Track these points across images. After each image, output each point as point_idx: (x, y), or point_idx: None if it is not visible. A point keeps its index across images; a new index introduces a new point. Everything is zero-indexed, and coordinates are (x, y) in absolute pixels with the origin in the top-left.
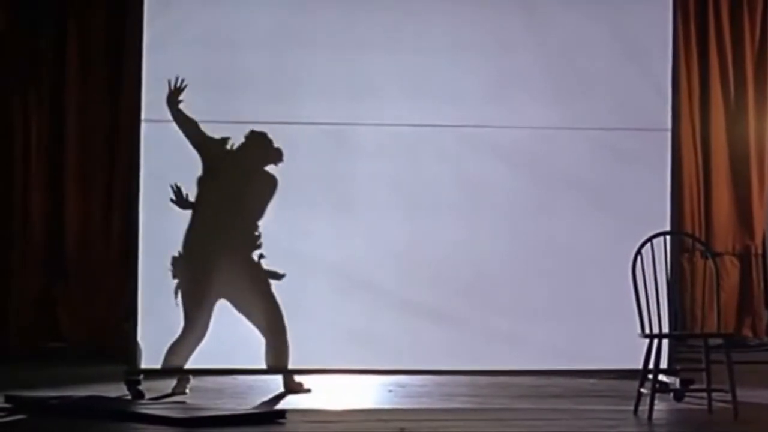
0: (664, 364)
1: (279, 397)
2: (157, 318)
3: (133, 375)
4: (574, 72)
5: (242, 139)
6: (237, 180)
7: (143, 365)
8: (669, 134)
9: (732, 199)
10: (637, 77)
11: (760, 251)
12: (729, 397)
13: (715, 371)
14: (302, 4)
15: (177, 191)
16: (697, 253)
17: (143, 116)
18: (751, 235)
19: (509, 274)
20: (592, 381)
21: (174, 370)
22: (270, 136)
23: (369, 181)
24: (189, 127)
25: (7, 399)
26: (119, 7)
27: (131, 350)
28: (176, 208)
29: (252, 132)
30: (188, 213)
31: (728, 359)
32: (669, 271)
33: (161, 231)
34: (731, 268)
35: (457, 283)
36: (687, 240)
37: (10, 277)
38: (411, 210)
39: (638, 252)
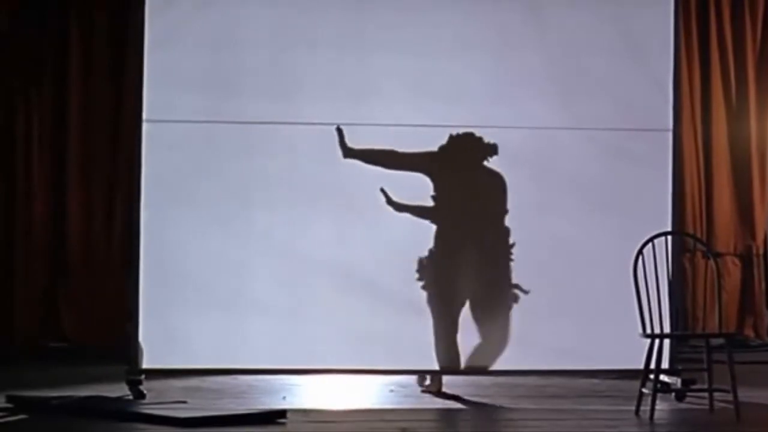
0: (665, 364)
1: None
2: (158, 318)
3: (134, 375)
4: (575, 72)
5: (446, 144)
6: (463, 185)
7: (144, 365)
8: (670, 134)
9: (733, 199)
10: (638, 77)
11: (761, 251)
12: (730, 397)
13: (717, 371)
14: (303, 3)
15: (386, 194)
16: (699, 253)
17: (144, 116)
18: (753, 235)
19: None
20: (593, 381)
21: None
22: (478, 134)
23: (370, 181)
24: (384, 159)
25: (9, 399)
26: (121, 6)
27: (132, 350)
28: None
29: (454, 136)
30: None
31: (730, 359)
32: (670, 271)
33: (162, 231)
34: (732, 268)
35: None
36: (688, 240)
37: (13, 276)
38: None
39: (639, 252)
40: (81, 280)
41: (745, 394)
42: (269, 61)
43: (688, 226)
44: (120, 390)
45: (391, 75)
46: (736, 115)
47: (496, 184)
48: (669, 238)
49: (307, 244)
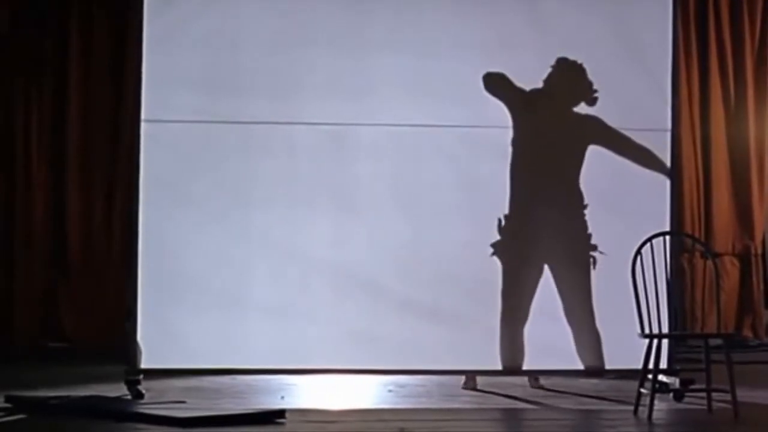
0: (664, 364)
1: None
2: (156, 318)
3: (132, 375)
4: None
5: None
6: (549, 126)
7: (143, 365)
8: (669, 135)
9: (732, 200)
10: (637, 78)
11: (759, 251)
12: (729, 397)
13: (715, 371)
14: (303, 3)
15: None
16: (697, 254)
17: (143, 116)
18: (751, 235)
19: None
20: (593, 381)
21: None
22: (584, 66)
23: (370, 181)
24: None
25: (8, 399)
26: (121, 6)
27: (131, 350)
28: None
29: (562, 61)
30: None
31: (728, 359)
32: (669, 272)
33: (161, 230)
34: (731, 269)
35: (457, 283)
36: (687, 240)
37: (13, 276)
38: (412, 210)
39: (638, 252)
40: (81, 280)
41: (744, 394)
42: (269, 61)
43: (687, 227)
44: (119, 390)
45: (391, 75)
46: (735, 115)
47: (585, 132)
48: (667, 238)
49: (307, 244)
